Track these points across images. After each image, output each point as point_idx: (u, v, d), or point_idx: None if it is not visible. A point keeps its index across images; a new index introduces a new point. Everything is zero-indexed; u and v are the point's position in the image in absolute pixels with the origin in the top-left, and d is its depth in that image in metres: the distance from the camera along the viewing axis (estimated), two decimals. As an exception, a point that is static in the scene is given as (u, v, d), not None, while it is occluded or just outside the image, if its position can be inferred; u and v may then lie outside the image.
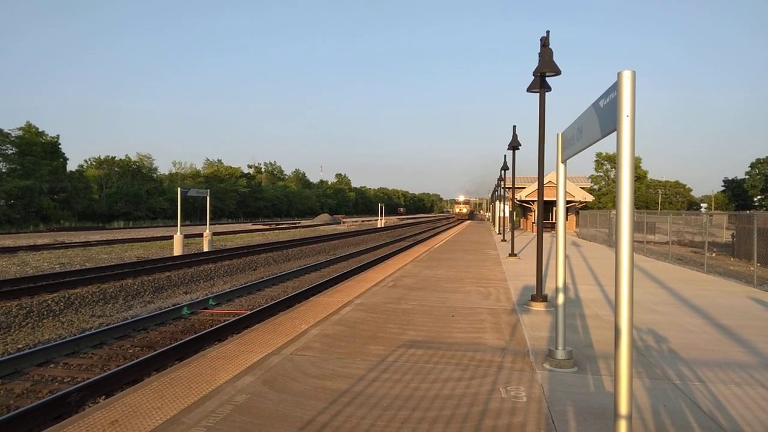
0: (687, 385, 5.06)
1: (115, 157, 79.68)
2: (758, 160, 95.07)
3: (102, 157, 79.64)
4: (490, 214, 70.67)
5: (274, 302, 12.54)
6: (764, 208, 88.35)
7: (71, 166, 71.99)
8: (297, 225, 63.20)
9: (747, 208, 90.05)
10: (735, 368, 5.63)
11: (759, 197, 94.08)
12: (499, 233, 34.39)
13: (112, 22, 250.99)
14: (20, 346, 9.33)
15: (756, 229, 13.90)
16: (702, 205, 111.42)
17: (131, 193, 73.76)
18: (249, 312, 11.48)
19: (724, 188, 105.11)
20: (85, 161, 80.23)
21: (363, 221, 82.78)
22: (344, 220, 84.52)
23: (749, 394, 4.83)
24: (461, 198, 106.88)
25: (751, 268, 13.82)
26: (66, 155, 67.31)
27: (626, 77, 3.24)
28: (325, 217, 79.67)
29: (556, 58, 9.22)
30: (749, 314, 8.81)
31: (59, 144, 65.64)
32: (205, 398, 4.54)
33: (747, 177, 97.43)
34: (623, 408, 3.16)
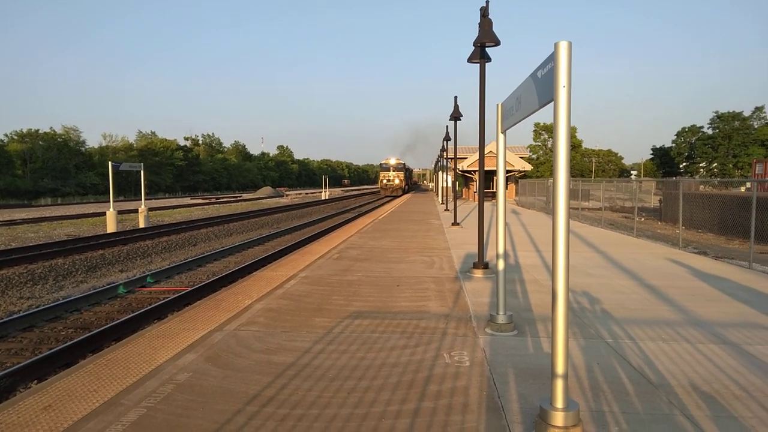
0: (618, 343, 5.34)
1: (39, 130, 74.99)
2: (684, 129, 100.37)
3: (24, 131, 74.73)
4: (433, 184, 71.07)
5: (215, 278, 12.27)
6: (689, 175, 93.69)
7: (-10, 140, 67.20)
8: (238, 198, 61.88)
9: (673, 174, 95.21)
10: (662, 326, 5.99)
11: (684, 164, 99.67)
12: (443, 203, 34.88)
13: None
14: (-60, 332, 8.74)
15: (681, 195, 14.72)
16: (632, 172, 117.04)
17: (58, 168, 69.81)
18: (189, 289, 11.20)
19: (652, 156, 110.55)
20: (5, 135, 75.04)
21: (307, 194, 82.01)
22: (287, 192, 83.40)
23: (675, 349, 5.15)
24: (392, 161, 67.63)
25: (677, 231, 14.66)
26: (-16, 129, 62.85)
27: (563, 48, 3.28)
28: (267, 190, 78.21)
29: (501, 28, 9.29)
30: (675, 275, 9.36)
31: (-24, 117, 61.14)
32: (145, 378, 4.40)
33: (673, 145, 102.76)
34: (560, 368, 3.31)
